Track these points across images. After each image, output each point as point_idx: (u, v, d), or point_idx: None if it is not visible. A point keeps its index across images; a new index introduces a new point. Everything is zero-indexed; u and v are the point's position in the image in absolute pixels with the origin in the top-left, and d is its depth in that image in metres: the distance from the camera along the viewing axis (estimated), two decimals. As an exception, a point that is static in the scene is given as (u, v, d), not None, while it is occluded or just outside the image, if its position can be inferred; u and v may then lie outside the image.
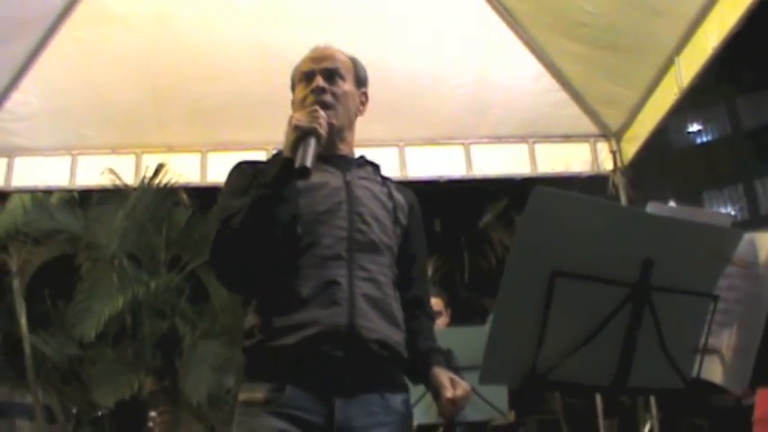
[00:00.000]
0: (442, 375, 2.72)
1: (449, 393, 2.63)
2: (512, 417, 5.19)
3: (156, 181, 10.08)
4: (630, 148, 6.83)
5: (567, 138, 7.11)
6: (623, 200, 6.78)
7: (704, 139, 38.06)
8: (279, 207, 2.63)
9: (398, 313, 2.80)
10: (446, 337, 4.09)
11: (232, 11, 6.32)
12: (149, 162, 7.17)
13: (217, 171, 6.68)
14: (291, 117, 2.74)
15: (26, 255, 16.18)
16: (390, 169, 6.50)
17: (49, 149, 6.88)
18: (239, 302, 2.89)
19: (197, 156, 6.99)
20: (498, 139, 7.14)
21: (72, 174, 6.90)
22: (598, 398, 7.34)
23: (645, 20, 5.62)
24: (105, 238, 14.77)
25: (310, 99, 2.89)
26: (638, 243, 2.31)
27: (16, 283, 16.14)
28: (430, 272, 19.46)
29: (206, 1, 6.33)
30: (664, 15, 5.49)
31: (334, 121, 2.85)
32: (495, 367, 2.35)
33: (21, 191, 10.60)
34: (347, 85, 3.00)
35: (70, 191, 12.53)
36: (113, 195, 13.82)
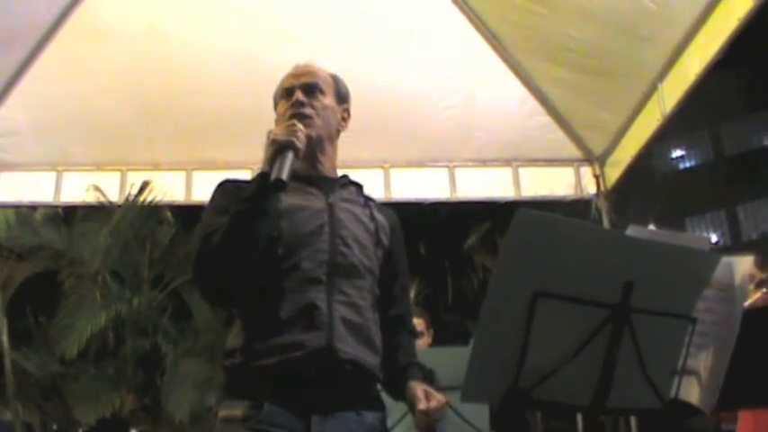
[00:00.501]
0: (417, 388, 2.72)
1: (422, 405, 2.63)
2: (493, 438, 5.20)
3: (141, 198, 10.10)
4: (614, 172, 6.87)
5: (550, 162, 7.14)
6: (606, 224, 6.80)
7: (687, 164, 38.26)
8: (258, 222, 2.64)
9: (376, 337, 2.81)
10: (428, 357, 4.11)
11: (222, 29, 6.34)
12: (134, 179, 7.15)
13: (202, 189, 6.66)
14: (270, 131, 2.75)
15: (9, 270, 16.15)
16: (375, 191, 6.52)
17: (35, 165, 6.86)
18: (222, 321, 2.91)
19: (182, 174, 6.98)
20: (483, 162, 7.17)
21: (57, 190, 6.88)
22: (579, 420, 7.37)
23: (629, 46, 5.69)
24: (89, 254, 14.78)
25: (290, 112, 2.91)
26: (619, 265, 2.34)
27: (-2, 299, 16.08)
28: (413, 294, 19.50)
29: (196, 19, 6.33)
30: (647, 42, 5.55)
31: (312, 133, 2.85)
32: (477, 385, 2.37)
33: (4, 206, 10.57)
34: (327, 100, 3.01)
35: (55, 207, 12.51)
36: (98, 212, 13.86)
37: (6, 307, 16.24)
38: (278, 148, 2.66)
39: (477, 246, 22.83)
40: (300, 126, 2.75)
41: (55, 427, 16.92)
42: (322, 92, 3.00)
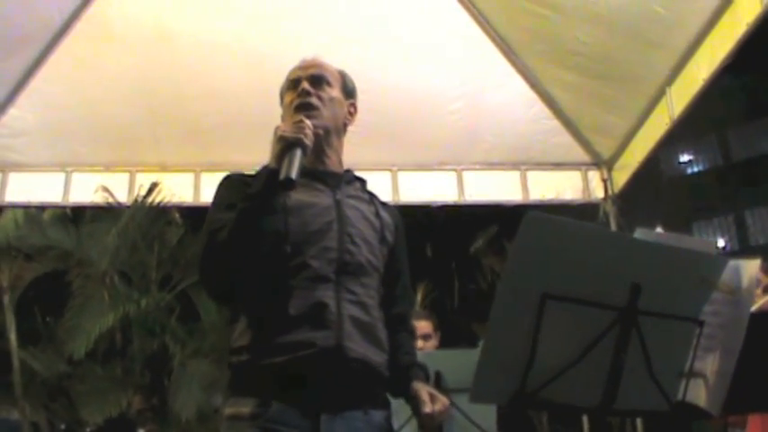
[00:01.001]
0: (422, 390, 2.74)
1: (427, 408, 2.66)
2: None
3: (149, 200, 10.12)
4: (621, 176, 6.87)
5: (558, 165, 7.14)
6: (614, 228, 6.78)
7: (695, 169, 38.21)
8: (265, 219, 2.65)
9: (383, 335, 2.82)
10: (436, 359, 4.13)
11: (231, 31, 6.35)
12: (143, 180, 7.16)
13: (210, 191, 6.58)
14: (277, 128, 2.75)
15: (17, 270, 16.19)
16: (383, 193, 6.45)
17: (44, 166, 6.88)
18: (228, 325, 2.90)
19: (190, 175, 7.00)
20: (490, 165, 7.17)
21: (65, 190, 6.89)
22: (585, 424, 7.37)
23: (637, 50, 5.68)
24: (97, 255, 14.79)
25: (296, 102, 2.93)
26: (627, 268, 2.35)
27: (7, 299, 16.13)
28: (420, 296, 19.48)
29: (204, 21, 6.34)
30: (656, 46, 5.55)
31: (317, 122, 2.84)
32: (486, 386, 2.39)
33: (14, 206, 10.58)
34: (334, 92, 3.02)
35: (63, 207, 12.55)
36: (106, 213, 13.87)
37: (14, 307, 16.29)
38: (286, 145, 2.66)
39: (485, 249, 22.77)
40: (308, 123, 2.75)
41: (62, 426, 16.94)
42: (329, 84, 3.02)
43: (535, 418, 19.53)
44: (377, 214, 2.98)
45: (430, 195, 7.24)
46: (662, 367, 2.42)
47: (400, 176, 7.10)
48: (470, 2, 6.31)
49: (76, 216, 15.42)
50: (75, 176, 6.92)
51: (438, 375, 4.02)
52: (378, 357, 2.75)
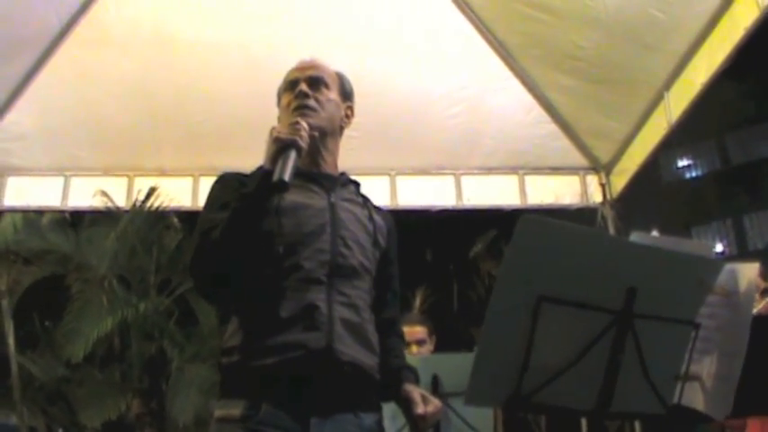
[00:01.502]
0: (414, 392, 2.76)
1: (419, 409, 2.67)
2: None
3: (148, 204, 10.13)
4: (620, 181, 6.88)
5: (556, 170, 7.15)
6: (612, 232, 6.80)
7: (693, 173, 38.21)
8: (258, 220, 2.65)
9: (374, 338, 2.82)
10: (433, 363, 4.13)
11: (229, 36, 6.36)
12: (141, 185, 7.18)
13: None
14: (273, 129, 2.75)
15: (16, 274, 16.19)
16: (381, 198, 6.54)
17: (42, 170, 6.89)
18: (219, 326, 2.89)
19: (189, 180, 7.01)
20: (489, 170, 7.18)
21: (64, 195, 6.90)
22: (584, 428, 7.37)
23: (636, 55, 5.69)
24: (96, 259, 14.81)
25: (294, 104, 2.92)
26: (623, 271, 2.36)
27: (5, 303, 16.13)
28: (419, 301, 19.50)
29: (202, 25, 6.35)
30: (654, 51, 5.56)
31: (313, 122, 2.84)
32: (481, 389, 2.39)
33: (12, 210, 10.60)
34: (332, 94, 3.02)
35: (62, 212, 12.54)
36: (105, 217, 13.88)
37: (13, 311, 16.29)
38: (281, 147, 2.66)
39: (483, 253, 22.82)
40: (304, 125, 2.75)
41: (61, 431, 16.91)
42: (327, 86, 3.02)
43: (533, 423, 19.53)
44: (370, 218, 2.98)
45: (428, 200, 7.25)
46: (658, 370, 2.42)
47: (398, 181, 7.11)
48: (468, 7, 6.32)
49: (75, 220, 15.44)
50: (74, 181, 6.93)
51: (435, 379, 4.02)
52: (369, 360, 2.75)
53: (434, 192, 7.22)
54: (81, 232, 15.55)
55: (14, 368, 15.87)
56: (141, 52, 6.41)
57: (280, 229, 2.71)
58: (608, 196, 6.99)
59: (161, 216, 14.16)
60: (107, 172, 7.04)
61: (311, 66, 3.08)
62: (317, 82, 3.00)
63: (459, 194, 7.15)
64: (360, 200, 3.04)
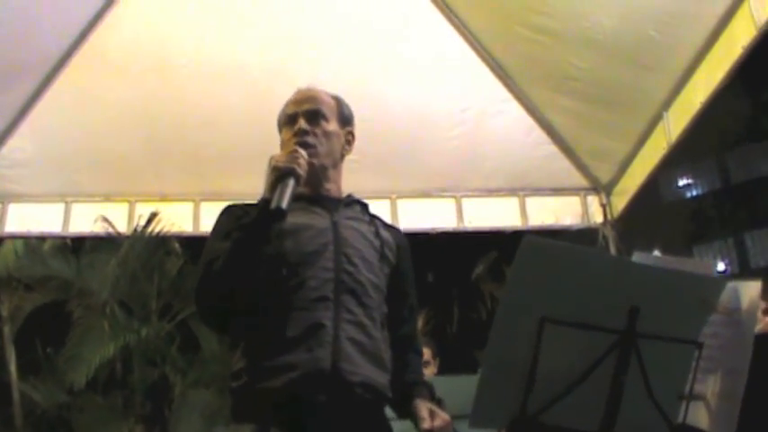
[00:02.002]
0: (422, 407, 2.74)
1: (426, 424, 2.65)
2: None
3: (149, 229, 10.13)
4: (620, 201, 6.87)
5: (557, 191, 7.14)
6: (613, 253, 6.78)
7: (694, 192, 38.25)
8: (261, 248, 2.66)
9: (386, 355, 2.80)
10: (436, 385, 4.09)
11: (231, 61, 6.36)
12: (142, 210, 7.14)
13: (209, 221, 6.51)
14: (272, 158, 2.76)
15: (17, 300, 16.22)
16: (382, 221, 6.53)
17: (43, 196, 6.87)
18: (230, 352, 2.90)
19: (190, 205, 6.98)
20: (489, 191, 7.16)
21: (65, 221, 6.87)
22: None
23: (634, 74, 5.70)
24: (97, 285, 14.81)
25: (293, 141, 2.92)
26: (625, 291, 2.36)
27: (7, 329, 16.15)
28: (421, 323, 19.43)
29: (204, 51, 6.35)
30: (653, 70, 5.57)
31: (315, 161, 2.87)
32: (485, 411, 2.39)
33: (13, 236, 10.56)
34: (331, 126, 3.02)
35: (63, 238, 12.55)
36: (106, 243, 13.90)
37: (14, 337, 16.29)
38: (279, 176, 2.68)
39: (485, 275, 22.79)
40: (303, 152, 2.77)
41: (63, 458, 16.87)
42: (325, 118, 3.02)
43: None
44: (377, 234, 2.99)
45: (429, 222, 7.22)
46: (662, 390, 2.42)
47: (399, 204, 7.09)
48: (466, 28, 6.33)
49: (76, 246, 15.46)
50: (75, 207, 6.90)
51: (439, 402, 4.01)
52: (381, 378, 2.74)
53: (435, 214, 7.20)
54: (82, 258, 15.58)
55: (16, 395, 15.86)
56: (142, 78, 6.41)
57: (282, 251, 2.71)
58: (609, 216, 6.97)
59: (162, 241, 14.18)
60: (108, 197, 7.02)
61: (308, 98, 3.08)
62: (315, 115, 3.00)
63: (459, 217, 7.13)
64: (366, 218, 3.04)
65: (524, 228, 7.07)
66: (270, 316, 2.69)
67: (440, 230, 7.25)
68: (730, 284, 2.59)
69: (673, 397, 2.52)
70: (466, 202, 7.15)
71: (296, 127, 2.96)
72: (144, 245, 13.93)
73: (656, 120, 5.92)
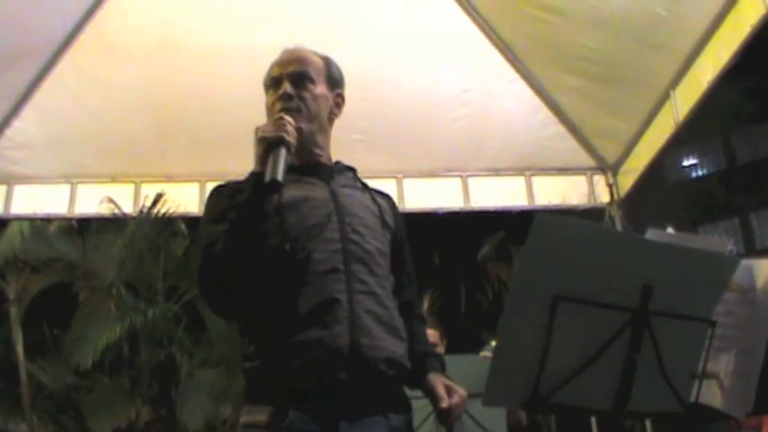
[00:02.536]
0: (438, 384, 2.69)
1: (444, 403, 2.61)
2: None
3: (155, 210, 10.12)
4: (627, 180, 6.85)
5: (563, 170, 7.13)
6: (619, 232, 6.78)
7: (699, 172, 38.14)
8: (259, 225, 2.57)
9: (400, 324, 2.74)
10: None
11: (235, 42, 6.34)
12: (148, 191, 7.14)
13: None
14: (257, 129, 2.67)
15: (24, 282, 16.25)
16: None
17: (49, 178, 6.87)
18: (236, 331, 2.83)
19: (195, 186, 6.97)
20: (496, 171, 7.15)
21: (71, 202, 6.88)
22: (594, 429, 7.35)
23: (642, 54, 5.68)
24: (103, 266, 14.83)
25: (278, 106, 2.84)
26: (638, 269, 2.34)
27: (14, 311, 16.18)
28: (427, 304, 19.45)
29: (208, 31, 6.34)
30: (660, 50, 5.54)
31: (303, 125, 2.77)
32: (499, 389, 2.37)
33: (19, 218, 10.56)
34: (318, 88, 2.92)
35: (69, 219, 12.54)
36: (112, 224, 13.91)
37: (21, 319, 16.32)
38: (268, 146, 2.59)
39: (491, 255, 22.77)
40: (289, 119, 2.67)
41: (70, 438, 16.93)
42: (312, 80, 2.92)
43: (543, 424, 19.48)
44: (373, 200, 2.93)
45: (435, 202, 7.21)
46: (674, 368, 2.41)
47: (405, 184, 7.07)
48: (474, 8, 6.31)
49: (82, 228, 15.45)
50: (81, 188, 6.90)
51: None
52: (400, 350, 2.69)
53: (442, 194, 7.18)
54: (88, 240, 15.59)
55: (24, 376, 15.91)
56: (146, 59, 6.39)
57: (283, 226, 2.63)
58: (615, 196, 6.96)
59: (168, 222, 14.18)
60: (113, 179, 7.01)
61: (294, 59, 2.98)
62: (300, 78, 2.90)
63: (466, 196, 7.12)
64: (359, 185, 2.98)
65: (531, 207, 7.07)
66: (280, 294, 2.60)
67: (446, 210, 7.24)
68: (744, 263, 2.58)
69: (686, 376, 2.50)
70: (472, 181, 7.14)
71: (280, 91, 2.87)
72: (150, 226, 13.95)
73: (663, 99, 5.90)
